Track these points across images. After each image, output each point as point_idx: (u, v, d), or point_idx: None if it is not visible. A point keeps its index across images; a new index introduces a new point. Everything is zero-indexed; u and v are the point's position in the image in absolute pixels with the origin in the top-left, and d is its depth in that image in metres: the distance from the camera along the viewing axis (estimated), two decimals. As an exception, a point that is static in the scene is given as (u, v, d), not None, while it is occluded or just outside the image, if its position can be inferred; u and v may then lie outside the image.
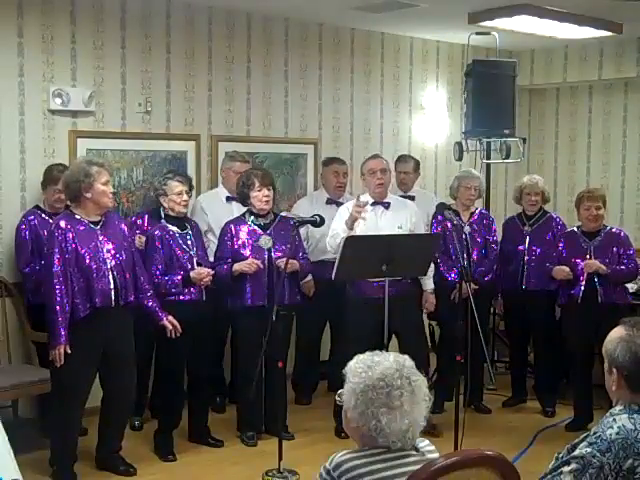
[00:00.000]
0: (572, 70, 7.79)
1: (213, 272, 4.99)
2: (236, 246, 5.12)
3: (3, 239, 5.41)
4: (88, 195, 4.46)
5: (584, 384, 5.64)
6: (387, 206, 5.32)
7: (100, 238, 4.50)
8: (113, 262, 4.50)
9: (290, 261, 4.96)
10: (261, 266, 5.04)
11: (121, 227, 4.70)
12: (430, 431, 5.25)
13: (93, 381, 4.64)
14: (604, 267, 5.38)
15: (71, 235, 4.41)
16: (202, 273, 4.92)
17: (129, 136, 5.90)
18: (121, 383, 4.66)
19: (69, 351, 4.36)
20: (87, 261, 4.42)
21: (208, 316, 5.02)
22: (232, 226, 5.18)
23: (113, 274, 4.49)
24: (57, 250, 4.37)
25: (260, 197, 5.11)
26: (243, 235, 5.15)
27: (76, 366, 4.42)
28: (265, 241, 5.08)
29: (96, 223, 4.53)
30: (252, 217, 5.19)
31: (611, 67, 7.53)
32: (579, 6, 6.05)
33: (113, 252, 4.52)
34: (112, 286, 4.48)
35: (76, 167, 4.57)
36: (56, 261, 4.37)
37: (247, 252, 5.12)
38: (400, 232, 5.19)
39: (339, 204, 6.12)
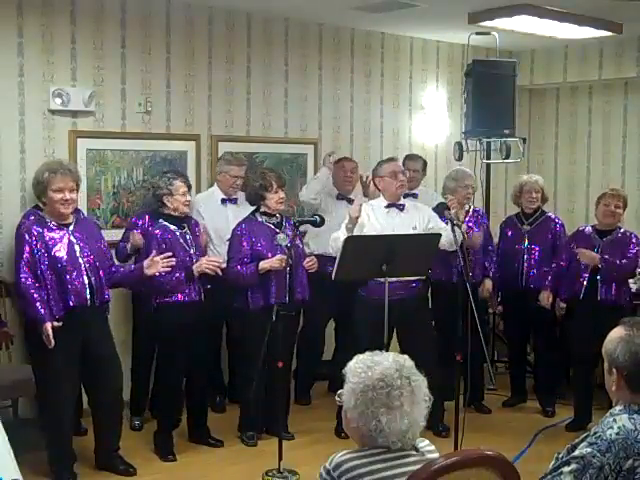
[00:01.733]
0: (572, 70, 7.78)
1: (221, 261, 5.01)
2: (255, 245, 5.13)
3: (3, 239, 5.41)
4: (44, 200, 4.49)
5: (585, 384, 5.65)
6: (402, 208, 5.33)
7: (72, 239, 4.50)
8: (86, 262, 4.50)
9: (313, 260, 5.19)
10: (290, 261, 5.04)
11: (93, 227, 4.73)
12: (442, 433, 5.26)
13: (77, 381, 4.64)
14: (597, 257, 5.42)
15: (42, 237, 4.42)
16: (208, 260, 4.93)
17: (129, 136, 5.90)
18: (106, 384, 4.65)
19: (56, 323, 4.33)
20: (60, 262, 4.42)
21: (205, 317, 5.01)
22: (245, 226, 5.18)
23: (87, 274, 4.49)
24: (27, 252, 4.38)
25: (277, 199, 5.16)
26: (259, 234, 5.16)
27: (56, 366, 4.43)
28: (282, 238, 5.09)
29: (67, 225, 4.53)
30: (264, 217, 5.21)
31: (611, 67, 7.52)
32: (579, 6, 6.05)
33: (86, 252, 4.51)
34: (87, 285, 4.48)
35: (36, 171, 4.59)
36: (24, 262, 4.37)
37: (265, 250, 5.13)
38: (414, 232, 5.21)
39: (349, 200, 6.14)
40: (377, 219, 5.23)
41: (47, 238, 4.44)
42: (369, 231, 5.16)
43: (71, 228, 4.53)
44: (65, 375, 4.50)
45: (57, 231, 4.48)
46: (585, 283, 5.52)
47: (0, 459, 2.92)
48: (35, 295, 4.36)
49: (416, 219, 5.30)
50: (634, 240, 5.57)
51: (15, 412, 5.21)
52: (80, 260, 4.48)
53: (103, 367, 4.62)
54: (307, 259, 5.24)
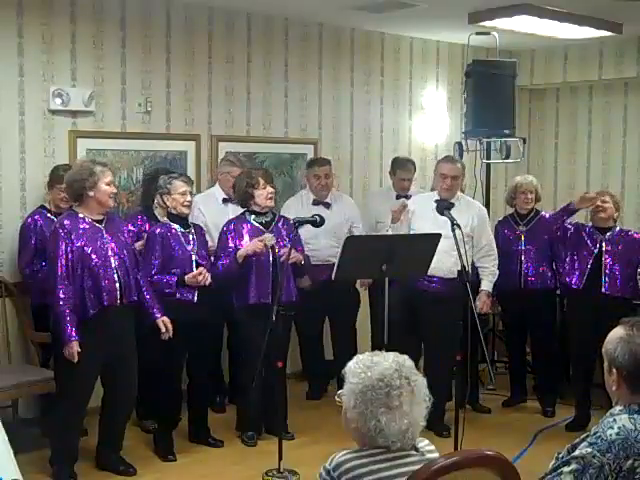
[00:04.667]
0: (572, 70, 7.78)
1: (205, 270, 4.95)
2: (239, 245, 5.12)
3: (3, 239, 5.41)
4: (91, 194, 4.48)
5: (585, 384, 5.65)
6: (450, 206, 5.35)
7: (105, 237, 4.52)
8: (117, 260, 4.52)
9: (293, 253, 5.02)
10: (267, 242, 5.04)
11: (122, 226, 4.75)
12: (443, 433, 5.25)
13: (95, 381, 4.66)
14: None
15: (76, 234, 4.42)
16: (195, 274, 4.90)
17: (129, 136, 5.90)
18: (124, 382, 4.66)
19: (79, 349, 4.36)
20: (94, 260, 4.44)
21: (202, 317, 4.98)
22: (233, 225, 5.19)
23: (118, 273, 4.51)
24: (62, 249, 4.38)
25: (266, 194, 5.16)
26: (245, 233, 5.16)
27: (85, 367, 4.43)
28: (268, 238, 5.09)
29: (99, 222, 4.54)
30: (253, 216, 5.21)
31: (611, 67, 7.52)
32: (579, 6, 6.05)
33: (117, 250, 4.54)
34: (117, 284, 4.50)
35: (80, 166, 4.60)
36: (62, 261, 4.37)
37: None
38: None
39: (325, 204, 6.13)
40: (425, 212, 5.33)
41: (81, 235, 4.43)
42: (417, 220, 5.31)
43: (103, 225, 4.55)
44: (88, 377, 4.54)
45: (91, 228, 4.49)
46: (586, 275, 5.52)
47: (0, 459, 2.92)
48: (68, 319, 4.34)
49: (464, 218, 5.26)
50: (637, 239, 5.59)
51: (15, 412, 5.21)
52: (112, 259, 4.50)
53: (123, 366, 4.64)
54: (283, 250, 5.09)
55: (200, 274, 4.91)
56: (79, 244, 4.41)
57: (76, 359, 4.36)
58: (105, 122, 5.80)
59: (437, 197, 5.44)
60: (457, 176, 5.45)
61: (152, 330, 4.83)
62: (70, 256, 4.39)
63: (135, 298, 4.63)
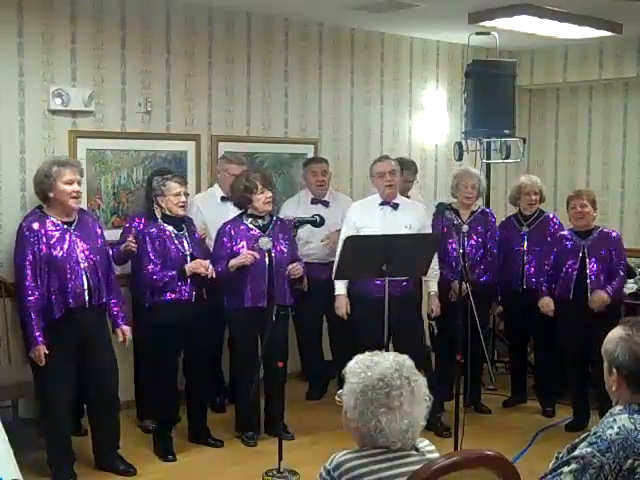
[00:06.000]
0: (572, 70, 7.78)
1: (209, 264, 4.95)
2: (235, 248, 5.12)
3: (3, 239, 5.41)
4: (51, 195, 4.48)
5: (581, 384, 5.65)
6: (395, 207, 5.36)
7: (74, 238, 4.50)
8: (86, 262, 4.51)
9: (296, 266, 5.07)
10: (257, 256, 5.05)
11: (95, 227, 4.72)
12: (443, 433, 5.25)
13: (75, 381, 4.64)
14: (605, 298, 5.40)
15: (44, 237, 4.42)
16: (197, 263, 4.89)
17: (129, 136, 5.89)
18: (101, 383, 4.67)
19: (47, 352, 4.37)
20: (61, 262, 4.43)
21: (200, 317, 4.98)
22: (230, 227, 5.18)
23: (87, 274, 4.50)
24: (29, 252, 4.39)
25: (263, 199, 5.14)
26: (241, 236, 5.15)
27: (55, 367, 4.43)
28: (264, 242, 5.09)
29: (69, 223, 4.53)
30: (250, 219, 5.20)
31: (611, 67, 7.52)
32: (579, 6, 6.04)
33: (87, 252, 4.52)
34: (85, 286, 4.49)
35: (40, 168, 4.58)
36: (27, 263, 4.39)
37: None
38: (407, 232, 5.21)
39: (324, 203, 6.15)
40: (370, 217, 5.31)
41: (49, 237, 4.43)
42: (362, 228, 5.25)
43: (73, 227, 4.54)
44: (63, 375, 4.51)
45: (59, 230, 4.48)
46: (573, 285, 5.52)
47: (0, 459, 2.92)
48: (34, 323, 4.37)
49: (410, 218, 5.30)
50: (615, 239, 5.57)
51: (15, 412, 5.21)
52: (80, 260, 4.49)
53: (99, 367, 4.64)
54: (292, 264, 5.12)
55: (202, 265, 4.90)
56: (46, 247, 4.41)
57: (43, 362, 4.37)
58: (105, 122, 5.79)
59: (379, 200, 5.40)
60: (394, 170, 5.43)
61: (147, 330, 4.83)
62: (37, 258, 4.39)
63: (105, 300, 4.62)
